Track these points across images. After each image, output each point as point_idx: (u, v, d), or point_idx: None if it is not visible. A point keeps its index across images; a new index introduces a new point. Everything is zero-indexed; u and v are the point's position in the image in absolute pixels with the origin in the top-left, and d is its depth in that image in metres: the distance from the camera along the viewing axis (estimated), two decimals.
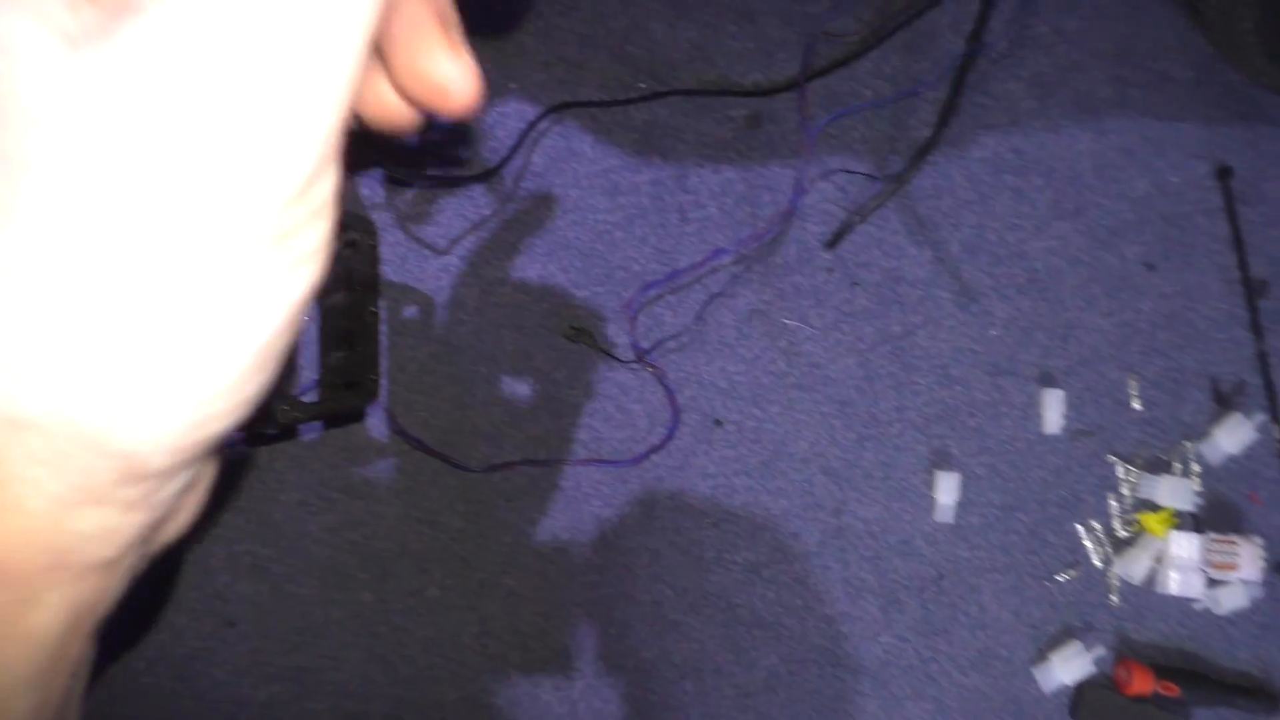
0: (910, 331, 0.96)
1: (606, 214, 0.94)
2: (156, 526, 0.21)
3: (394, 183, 0.91)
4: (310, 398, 0.83)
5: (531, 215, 0.94)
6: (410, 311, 0.91)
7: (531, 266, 0.94)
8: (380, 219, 0.91)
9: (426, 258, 0.92)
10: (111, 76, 0.16)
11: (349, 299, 0.81)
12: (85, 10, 0.17)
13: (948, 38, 0.94)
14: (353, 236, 0.81)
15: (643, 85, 0.94)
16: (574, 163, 0.94)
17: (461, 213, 0.93)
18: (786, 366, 0.96)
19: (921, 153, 0.93)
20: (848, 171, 0.95)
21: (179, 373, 0.18)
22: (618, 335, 0.94)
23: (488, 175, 0.92)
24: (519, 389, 0.94)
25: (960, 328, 0.96)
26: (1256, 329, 0.96)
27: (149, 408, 0.18)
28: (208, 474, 0.24)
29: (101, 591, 0.21)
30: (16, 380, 0.17)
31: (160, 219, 0.17)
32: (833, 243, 0.95)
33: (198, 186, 0.17)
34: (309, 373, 0.85)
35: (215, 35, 0.16)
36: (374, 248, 0.83)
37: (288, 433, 0.84)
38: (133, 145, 0.16)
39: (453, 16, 0.24)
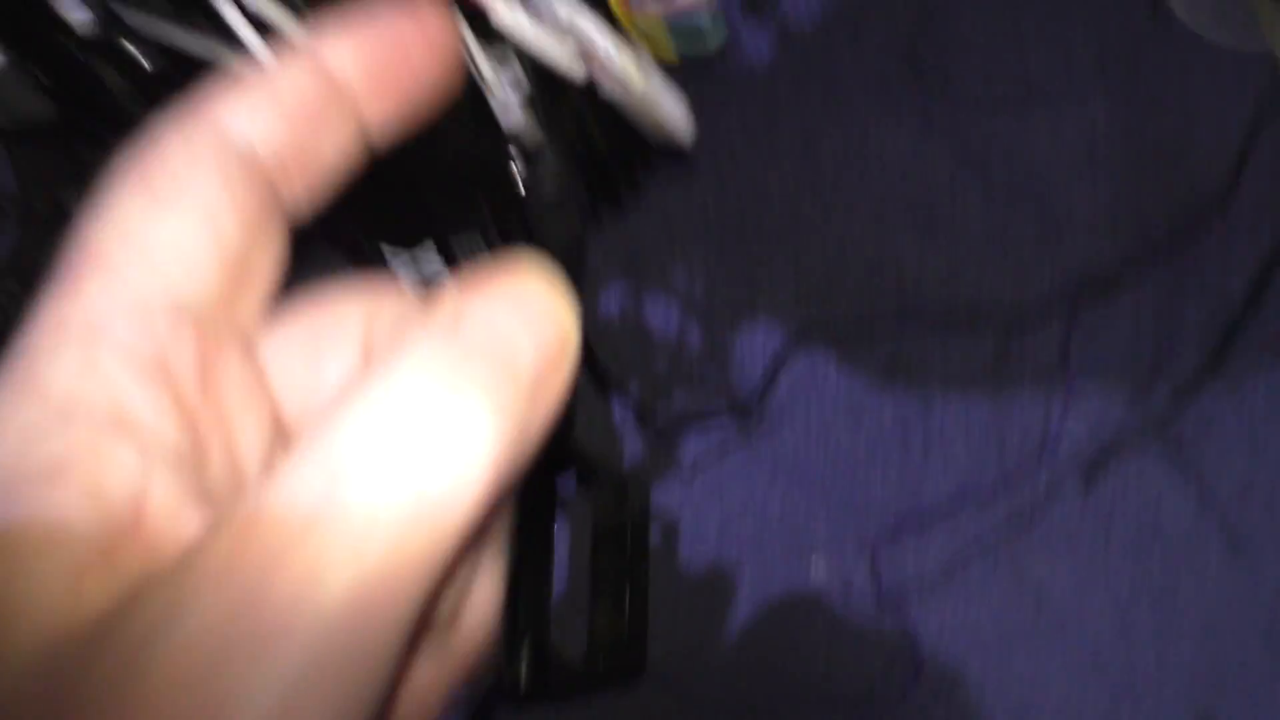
0: (1172, 582, 0.88)
1: (849, 443, 0.91)
2: None
3: (641, 420, 0.90)
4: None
5: (772, 439, 0.91)
6: (651, 539, 0.89)
7: (772, 493, 0.90)
8: (627, 444, 0.90)
9: (670, 485, 0.90)
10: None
11: (620, 556, 0.79)
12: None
13: (1218, 273, 0.89)
14: (622, 495, 0.80)
15: (890, 310, 0.91)
16: (818, 387, 0.91)
17: (704, 434, 0.91)
18: (1035, 615, 0.89)
19: (1188, 390, 0.87)
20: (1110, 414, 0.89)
21: None
22: (855, 572, 0.90)
23: (734, 407, 0.90)
24: (758, 624, 0.90)
25: (1230, 582, 0.88)
26: None
27: None
28: None
29: None
30: None
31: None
32: (1087, 483, 0.89)
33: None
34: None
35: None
36: (646, 509, 0.81)
37: (545, 693, 0.78)
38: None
39: None
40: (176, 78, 0.47)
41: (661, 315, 0.92)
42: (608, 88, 0.27)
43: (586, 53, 0.25)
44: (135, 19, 0.46)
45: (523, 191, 0.47)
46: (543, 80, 0.32)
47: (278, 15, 0.41)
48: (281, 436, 0.18)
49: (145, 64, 0.47)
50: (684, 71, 0.87)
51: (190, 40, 0.46)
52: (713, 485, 0.90)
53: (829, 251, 0.92)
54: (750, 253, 0.92)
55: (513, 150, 0.51)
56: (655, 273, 0.92)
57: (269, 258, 0.19)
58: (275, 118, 0.19)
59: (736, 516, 0.90)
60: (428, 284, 0.51)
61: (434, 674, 0.19)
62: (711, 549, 0.90)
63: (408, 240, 0.50)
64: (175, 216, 0.17)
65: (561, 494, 0.80)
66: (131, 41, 0.47)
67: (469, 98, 0.41)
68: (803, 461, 0.91)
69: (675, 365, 0.90)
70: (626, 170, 0.64)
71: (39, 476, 0.15)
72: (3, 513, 0.15)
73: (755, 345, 0.91)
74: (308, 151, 0.19)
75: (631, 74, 0.27)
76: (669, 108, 0.27)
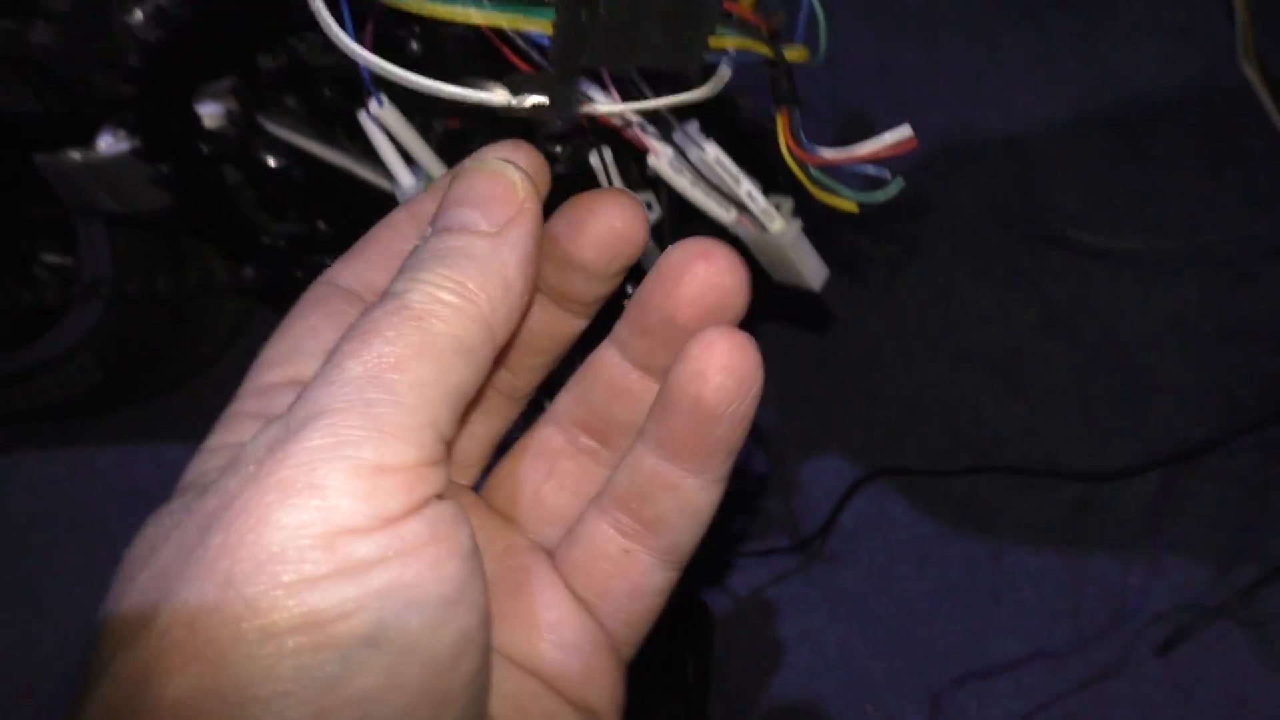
0: None
1: (914, 584, 0.90)
2: None
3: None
4: None
5: (834, 575, 0.91)
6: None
7: (830, 629, 0.89)
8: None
9: (719, 603, 0.90)
10: None
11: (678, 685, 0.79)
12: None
13: None
14: (685, 622, 0.80)
15: (965, 457, 0.92)
16: (885, 527, 0.91)
17: (765, 565, 0.91)
18: None
19: (1277, 571, 0.85)
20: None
21: None
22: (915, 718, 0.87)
23: (802, 546, 0.90)
24: None
25: None
26: None
27: None
28: None
29: None
30: None
31: None
32: (1165, 650, 0.87)
33: None
34: None
35: None
36: (710, 642, 0.82)
37: None
38: None
39: None
40: (296, 178, 0.50)
41: None
42: (744, 229, 0.30)
43: (731, 195, 0.28)
44: (273, 126, 0.50)
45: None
46: (676, 212, 0.35)
47: (420, 149, 0.45)
48: None
49: (270, 162, 0.50)
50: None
51: (325, 152, 0.50)
52: (768, 613, 0.90)
53: (906, 394, 0.93)
54: (825, 387, 0.94)
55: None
56: None
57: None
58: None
59: (791, 647, 0.89)
60: None
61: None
62: (764, 679, 0.89)
63: None
64: None
65: None
66: (263, 145, 0.51)
67: None
68: (863, 601, 0.90)
69: (738, 490, 0.91)
70: None
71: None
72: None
73: (822, 479, 0.92)
74: None
75: (773, 217, 0.30)
76: (804, 255, 0.29)
